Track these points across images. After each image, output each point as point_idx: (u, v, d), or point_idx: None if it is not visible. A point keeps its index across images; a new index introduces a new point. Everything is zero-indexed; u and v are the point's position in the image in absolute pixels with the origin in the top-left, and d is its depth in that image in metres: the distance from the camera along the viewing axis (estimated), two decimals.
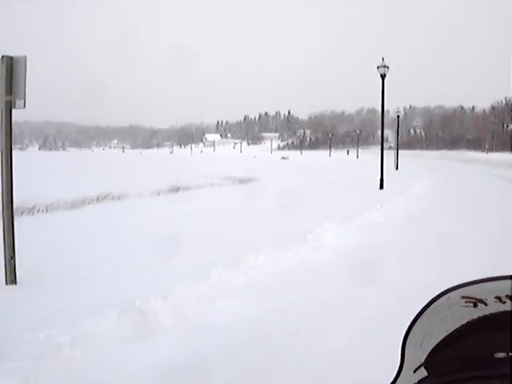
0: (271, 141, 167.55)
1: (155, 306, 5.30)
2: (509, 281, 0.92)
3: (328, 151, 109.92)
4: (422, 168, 39.74)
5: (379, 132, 24.75)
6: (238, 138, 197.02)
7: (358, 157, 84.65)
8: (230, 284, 6.44)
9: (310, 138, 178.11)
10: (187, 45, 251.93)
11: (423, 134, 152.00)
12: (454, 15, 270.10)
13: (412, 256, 8.46)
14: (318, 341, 4.81)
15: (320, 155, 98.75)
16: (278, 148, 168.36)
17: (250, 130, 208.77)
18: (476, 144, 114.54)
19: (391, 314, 4.90)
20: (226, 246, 8.45)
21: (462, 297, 0.94)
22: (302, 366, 4.29)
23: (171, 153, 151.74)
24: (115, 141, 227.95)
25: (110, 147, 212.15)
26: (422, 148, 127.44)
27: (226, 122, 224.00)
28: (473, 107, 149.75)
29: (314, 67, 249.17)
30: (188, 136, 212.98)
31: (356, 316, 5.48)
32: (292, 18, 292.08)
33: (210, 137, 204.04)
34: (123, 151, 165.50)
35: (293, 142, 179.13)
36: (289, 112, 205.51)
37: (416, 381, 0.97)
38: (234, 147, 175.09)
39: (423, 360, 0.98)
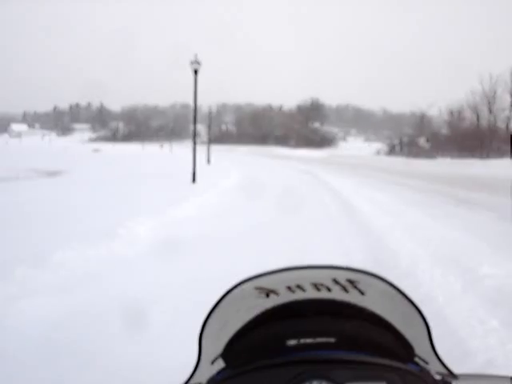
0: (83, 132, 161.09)
1: None
2: (298, 271, 1.00)
3: (141, 144, 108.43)
4: (233, 162, 40.96)
5: (192, 127, 25.01)
6: (48, 129, 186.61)
7: (171, 151, 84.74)
8: (36, 282, 6.10)
9: (123, 131, 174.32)
10: None
11: (234, 129, 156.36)
12: (260, 19, 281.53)
13: (220, 247, 8.70)
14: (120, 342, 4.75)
15: (133, 148, 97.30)
16: (90, 140, 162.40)
17: (60, 121, 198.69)
18: (283, 140, 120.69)
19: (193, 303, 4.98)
20: (31, 243, 7.98)
21: (256, 288, 1.00)
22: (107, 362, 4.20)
23: None
24: None
25: None
26: (233, 143, 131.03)
27: (34, 113, 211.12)
28: (281, 106, 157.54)
29: (127, 59, 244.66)
30: None
31: (164, 313, 5.49)
32: (94, 10, 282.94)
33: (15, 127, 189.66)
34: None
35: (105, 135, 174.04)
36: (101, 104, 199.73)
37: (214, 372, 1.01)
38: (42, 138, 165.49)
39: (220, 351, 1.03)
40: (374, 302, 1.00)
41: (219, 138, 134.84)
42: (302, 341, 0.98)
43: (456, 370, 1.04)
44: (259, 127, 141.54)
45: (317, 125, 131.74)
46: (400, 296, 0.99)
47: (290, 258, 7.23)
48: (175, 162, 38.32)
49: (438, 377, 0.98)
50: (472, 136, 60.16)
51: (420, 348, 1.01)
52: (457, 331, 4.59)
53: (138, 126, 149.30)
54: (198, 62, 22.13)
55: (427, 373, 0.97)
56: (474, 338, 4.42)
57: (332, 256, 7.88)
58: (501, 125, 63.13)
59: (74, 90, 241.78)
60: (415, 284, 6.15)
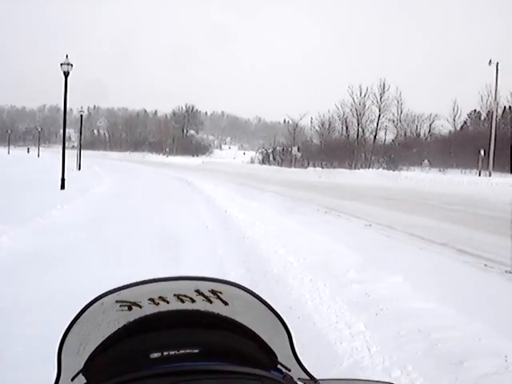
0: None
1: None
2: (160, 283, 0.97)
3: (7, 148, 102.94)
4: (105, 169, 40.15)
5: (62, 131, 24.14)
6: None
7: (39, 155, 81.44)
8: None
9: None
10: None
11: (107, 135, 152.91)
12: (132, 21, 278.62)
13: (89, 257, 8.42)
14: None
15: None
16: None
17: None
18: (158, 147, 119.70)
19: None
20: None
21: (117, 301, 0.96)
22: None
23: None
24: None
25: None
26: (105, 149, 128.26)
27: None
28: (156, 111, 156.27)
29: None
30: None
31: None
32: None
33: None
34: None
35: None
36: None
37: None
38: None
39: (81, 367, 0.98)
40: (237, 311, 1.01)
41: (91, 143, 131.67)
42: (166, 353, 0.95)
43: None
44: (133, 133, 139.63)
45: (192, 132, 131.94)
46: (262, 305, 1.00)
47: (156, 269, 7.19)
48: (43, 168, 36.85)
49: (299, 383, 1.01)
50: (342, 146, 63.27)
51: (283, 355, 1.03)
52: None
53: (4, 128, 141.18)
54: (68, 64, 21.36)
55: (289, 379, 0.99)
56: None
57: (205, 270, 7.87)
58: (369, 136, 66.91)
59: None
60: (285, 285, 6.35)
